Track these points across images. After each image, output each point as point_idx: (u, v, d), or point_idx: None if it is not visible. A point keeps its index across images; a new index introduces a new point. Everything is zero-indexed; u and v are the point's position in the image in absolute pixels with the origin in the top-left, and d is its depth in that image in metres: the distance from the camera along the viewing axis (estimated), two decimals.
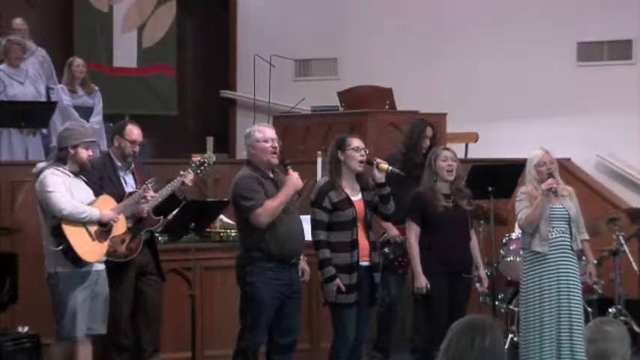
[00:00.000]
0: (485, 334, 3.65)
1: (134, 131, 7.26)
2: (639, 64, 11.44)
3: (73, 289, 6.65)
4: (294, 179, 6.79)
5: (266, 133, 6.87)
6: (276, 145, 6.83)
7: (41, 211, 6.71)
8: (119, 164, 7.25)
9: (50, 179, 6.63)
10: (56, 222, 6.60)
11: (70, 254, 6.59)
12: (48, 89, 10.23)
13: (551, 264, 7.38)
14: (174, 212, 7.22)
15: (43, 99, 9.89)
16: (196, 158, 7.40)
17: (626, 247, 8.94)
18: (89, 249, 6.66)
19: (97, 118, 9.91)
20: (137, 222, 7.13)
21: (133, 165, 7.30)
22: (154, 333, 7.39)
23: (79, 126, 6.86)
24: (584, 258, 7.82)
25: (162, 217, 7.20)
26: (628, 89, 11.31)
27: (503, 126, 11.41)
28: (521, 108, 11.53)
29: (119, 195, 7.09)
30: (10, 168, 8.70)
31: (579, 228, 7.57)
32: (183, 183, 7.17)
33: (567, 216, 7.44)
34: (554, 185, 7.32)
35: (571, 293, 7.37)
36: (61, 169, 6.70)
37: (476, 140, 11.00)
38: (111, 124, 10.73)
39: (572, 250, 7.45)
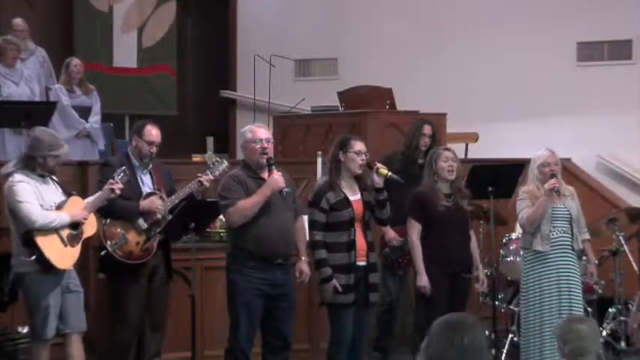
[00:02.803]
0: (464, 332, 3.66)
1: (152, 132, 7.26)
2: (639, 64, 11.44)
3: (46, 291, 6.65)
4: (273, 180, 6.71)
5: (256, 133, 6.85)
6: (266, 145, 6.79)
7: (10, 216, 6.71)
8: (137, 164, 7.25)
9: (20, 188, 6.61)
10: (27, 231, 6.59)
11: (43, 263, 6.59)
12: (47, 89, 10.23)
13: (552, 263, 7.38)
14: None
15: (38, 99, 9.88)
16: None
17: (626, 247, 8.93)
18: (62, 256, 6.66)
19: (95, 118, 9.91)
20: (153, 223, 7.14)
21: (150, 165, 7.30)
22: (157, 336, 7.39)
23: (49, 136, 6.82)
24: (584, 258, 7.82)
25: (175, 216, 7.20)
26: (628, 89, 11.30)
27: (503, 126, 11.40)
28: (521, 108, 11.52)
29: (137, 195, 7.10)
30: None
31: (580, 228, 7.58)
32: (201, 184, 7.17)
33: (569, 216, 7.45)
34: (557, 185, 7.32)
35: (572, 293, 7.36)
36: (29, 173, 6.69)
37: (476, 140, 11.00)
38: (111, 124, 10.77)
39: (572, 249, 7.45)
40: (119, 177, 6.85)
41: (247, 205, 6.69)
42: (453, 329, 3.67)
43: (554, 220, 7.40)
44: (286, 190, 6.80)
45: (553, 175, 7.37)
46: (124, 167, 6.99)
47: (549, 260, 7.38)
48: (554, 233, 7.40)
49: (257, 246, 6.72)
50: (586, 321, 4.82)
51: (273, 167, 6.78)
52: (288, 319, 6.90)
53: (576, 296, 7.38)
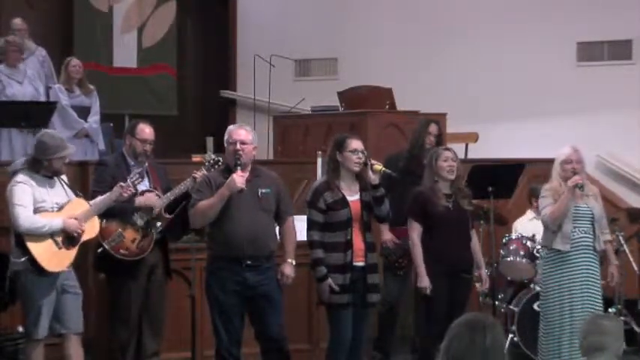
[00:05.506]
0: (486, 332, 3.65)
1: (145, 130, 7.27)
2: (639, 64, 11.45)
3: (39, 291, 6.65)
4: (231, 180, 6.62)
5: (232, 135, 6.81)
6: (238, 147, 6.71)
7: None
8: (132, 163, 7.26)
9: (18, 190, 6.63)
10: (20, 233, 6.61)
11: (33, 264, 6.59)
12: (47, 89, 10.24)
13: (574, 263, 7.29)
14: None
15: (42, 99, 9.90)
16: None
17: (626, 247, 8.94)
18: (54, 258, 6.64)
19: (94, 118, 9.92)
20: (149, 220, 7.14)
21: (146, 164, 7.31)
22: (156, 336, 7.39)
23: (54, 139, 6.82)
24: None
25: (174, 215, 7.21)
26: (628, 89, 11.32)
27: (503, 126, 11.42)
28: (521, 108, 11.54)
29: (133, 194, 7.10)
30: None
31: (602, 228, 7.48)
32: (195, 180, 7.16)
33: (591, 215, 7.36)
34: (580, 181, 7.27)
35: (591, 295, 7.26)
36: (34, 174, 6.70)
37: (476, 140, 11.00)
38: (111, 124, 10.77)
39: (594, 250, 7.36)
40: (132, 180, 6.88)
41: (205, 205, 6.66)
42: (474, 330, 3.66)
43: (576, 219, 7.32)
44: (264, 191, 6.76)
45: (575, 173, 7.31)
46: (139, 170, 7.02)
47: (571, 259, 7.28)
48: (576, 233, 7.30)
49: (224, 247, 6.70)
50: (613, 319, 4.79)
51: (239, 167, 6.71)
52: (272, 320, 6.80)
53: (596, 297, 7.30)
